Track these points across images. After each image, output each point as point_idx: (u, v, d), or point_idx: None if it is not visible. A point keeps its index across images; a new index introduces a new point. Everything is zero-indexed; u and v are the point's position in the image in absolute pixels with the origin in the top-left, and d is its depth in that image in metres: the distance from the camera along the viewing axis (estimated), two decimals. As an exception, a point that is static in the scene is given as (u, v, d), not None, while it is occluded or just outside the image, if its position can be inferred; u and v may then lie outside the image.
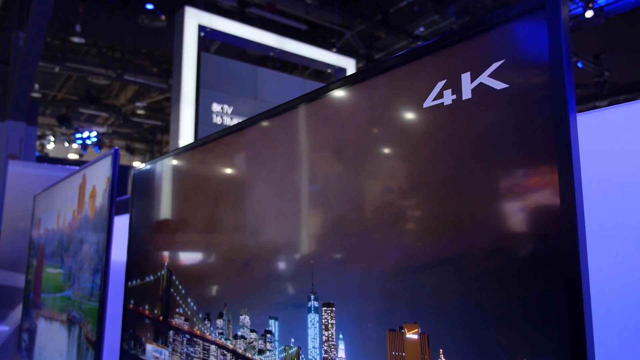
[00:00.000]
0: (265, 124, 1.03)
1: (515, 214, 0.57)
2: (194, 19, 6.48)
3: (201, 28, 6.55)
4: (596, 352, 0.51)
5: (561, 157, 0.53)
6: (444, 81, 0.66)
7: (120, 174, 1.74)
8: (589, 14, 8.15)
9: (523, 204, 0.57)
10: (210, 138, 1.20)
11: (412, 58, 0.71)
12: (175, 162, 1.40)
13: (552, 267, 0.53)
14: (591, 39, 9.18)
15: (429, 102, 0.68)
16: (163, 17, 8.10)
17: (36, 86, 10.64)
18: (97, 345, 1.54)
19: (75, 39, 9.17)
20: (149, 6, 7.81)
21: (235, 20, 7.23)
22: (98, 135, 12.34)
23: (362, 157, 0.78)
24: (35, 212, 2.79)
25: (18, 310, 3.09)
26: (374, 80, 0.78)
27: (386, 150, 0.74)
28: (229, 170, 1.16)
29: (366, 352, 0.73)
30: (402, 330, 0.68)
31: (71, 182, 2.15)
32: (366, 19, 8.89)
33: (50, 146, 13.53)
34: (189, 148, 1.30)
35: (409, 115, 0.71)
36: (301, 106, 0.92)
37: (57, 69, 10.03)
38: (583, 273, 0.51)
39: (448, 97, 0.65)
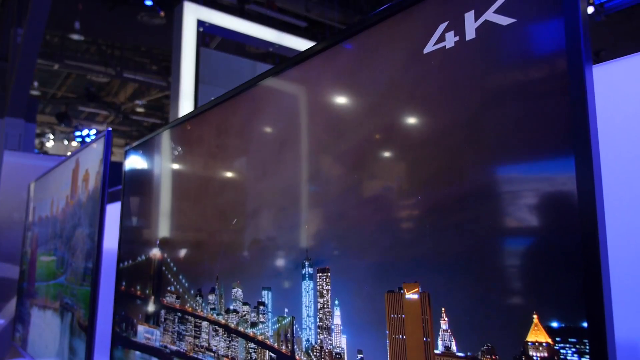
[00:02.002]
0: (253, 89, 0.99)
1: (524, 160, 0.53)
2: (192, 14, 6.44)
3: (200, 23, 6.51)
4: (614, 304, 0.47)
5: (574, 90, 0.49)
6: (446, 23, 0.62)
7: (118, 170, 1.70)
8: (590, 10, 8.11)
9: (532, 150, 0.52)
10: (196, 112, 1.16)
11: (411, 3, 0.67)
12: (165, 138, 1.35)
13: (564, 215, 0.49)
14: (592, 36, 9.12)
15: (429, 47, 0.64)
16: (162, 14, 8.06)
17: (35, 84, 10.59)
18: (89, 329, 1.50)
19: (75, 37, 9.13)
20: (148, 2, 7.77)
21: (235, 16, 7.19)
22: (97, 133, 12.29)
23: (360, 110, 0.74)
24: (30, 201, 2.75)
25: (13, 302, 3.04)
26: (371, 30, 0.73)
27: (385, 101, 0.70)
28: (215, 144, 1.12)
29: (363, 317, 0.69)
30: (402, 291, 0.64)
31: (64, 168, 2.11)
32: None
33: (49, 144, 13.47)
34: (179, 122, 1.26)
35: (409, 63, 0.67)
36: (297, 64, 0.88)
37: (56, 67, 9.98)
38: (600, 222, 0.46)
39: (450, 40, 0.61)
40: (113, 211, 1.76)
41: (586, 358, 0.45)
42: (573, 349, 0.46)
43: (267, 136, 0.95)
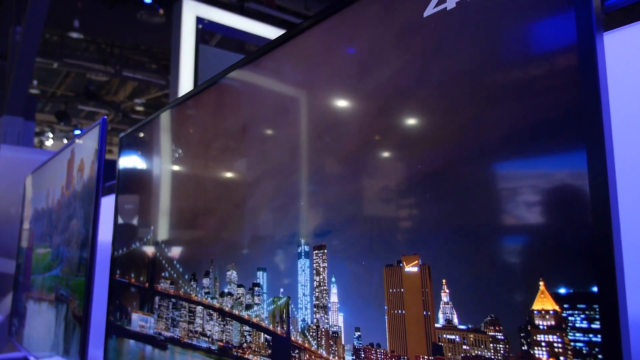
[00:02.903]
0: (249, 67, 0.96)
1: (526, 127, 0.50)
2: (192, 11, 6.41)
3: (199, 20, 6.48)
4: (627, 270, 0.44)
5: (584, 49, 0.46)
6: (447, -16, 0.59)
7: (114, 168, 1.68)
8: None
9: (540, 112, 0.50)
10: (189, 94, 1.14)
11: (411, -34, 0.64)
12: (159, 123, 1.33)
13: (571, 174, 0.46)
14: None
15: (429, 10, 0.61)
16: (161, 11, 8.03)
17: (34, 82, 10.56)
18: (83, 319, 1.48)
19: (74, 35, 9.10)
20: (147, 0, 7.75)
21: (234, 13, 7.16)
22: (97, 132, 12.22)
23: (358, 80, 0.71)
24: (26, 194, 2.72)
25: (10, 297, 3.01)
26: (369, -3, 0.71)
27: (383, 69, 0.67)
28: (208, 128, 1.09)
29: (361, 293, 0.66)
30: (401, 265, 0.61)
31: (60, 160, 2.08)
32: (366, 13, 8.79)
33: (49, 143, 13.44)
34: (173, 105, 1.23)
35: (409, 28, 0.64)
36: (294, 37, 0.86)
37: (55, 65, 9.96)
38: (610, 178, 0.44)
39: (451, 1, 0.58)
40: (108, 204, 1.74)
41: (596, 324, 0.43)
42: (582, 316, 0.44)
43: (261, 114, 0.92)
